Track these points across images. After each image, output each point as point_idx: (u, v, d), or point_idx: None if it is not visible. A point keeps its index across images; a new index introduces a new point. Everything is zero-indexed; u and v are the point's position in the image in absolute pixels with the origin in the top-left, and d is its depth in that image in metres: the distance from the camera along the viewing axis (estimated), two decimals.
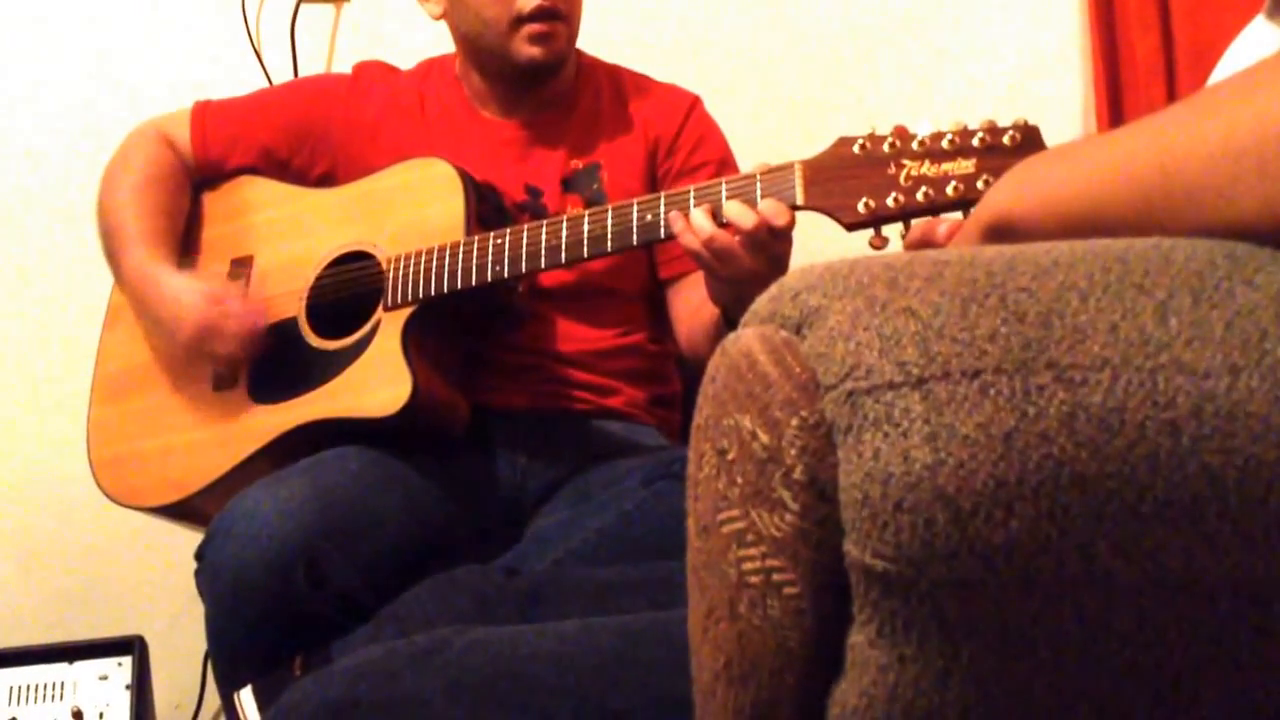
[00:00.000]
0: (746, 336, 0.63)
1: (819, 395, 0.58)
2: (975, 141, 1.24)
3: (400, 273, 1.53)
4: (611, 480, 1.51)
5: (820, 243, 1.42)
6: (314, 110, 1.74)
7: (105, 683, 1.83)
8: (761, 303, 0.64)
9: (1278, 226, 0.59)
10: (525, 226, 1.47)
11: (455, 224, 1.53)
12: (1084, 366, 0.56)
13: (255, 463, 1.55)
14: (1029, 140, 1.23)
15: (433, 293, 1.51)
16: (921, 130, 1.27)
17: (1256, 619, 0.56)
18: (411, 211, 1.58)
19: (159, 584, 2.17)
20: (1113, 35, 2.15)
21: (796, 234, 1.34)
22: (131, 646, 1.85)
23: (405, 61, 1.83)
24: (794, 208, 1.32)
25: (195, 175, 1.76)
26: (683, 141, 1.72)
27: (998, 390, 0.55)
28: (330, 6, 2.23)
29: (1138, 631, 0.55)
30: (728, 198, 1.35)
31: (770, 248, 1.33)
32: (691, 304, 1.64)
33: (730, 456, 0.61)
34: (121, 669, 1.84)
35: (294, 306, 1.62)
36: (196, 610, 1.43)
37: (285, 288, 1.64)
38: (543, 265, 1.46)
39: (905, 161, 1.27)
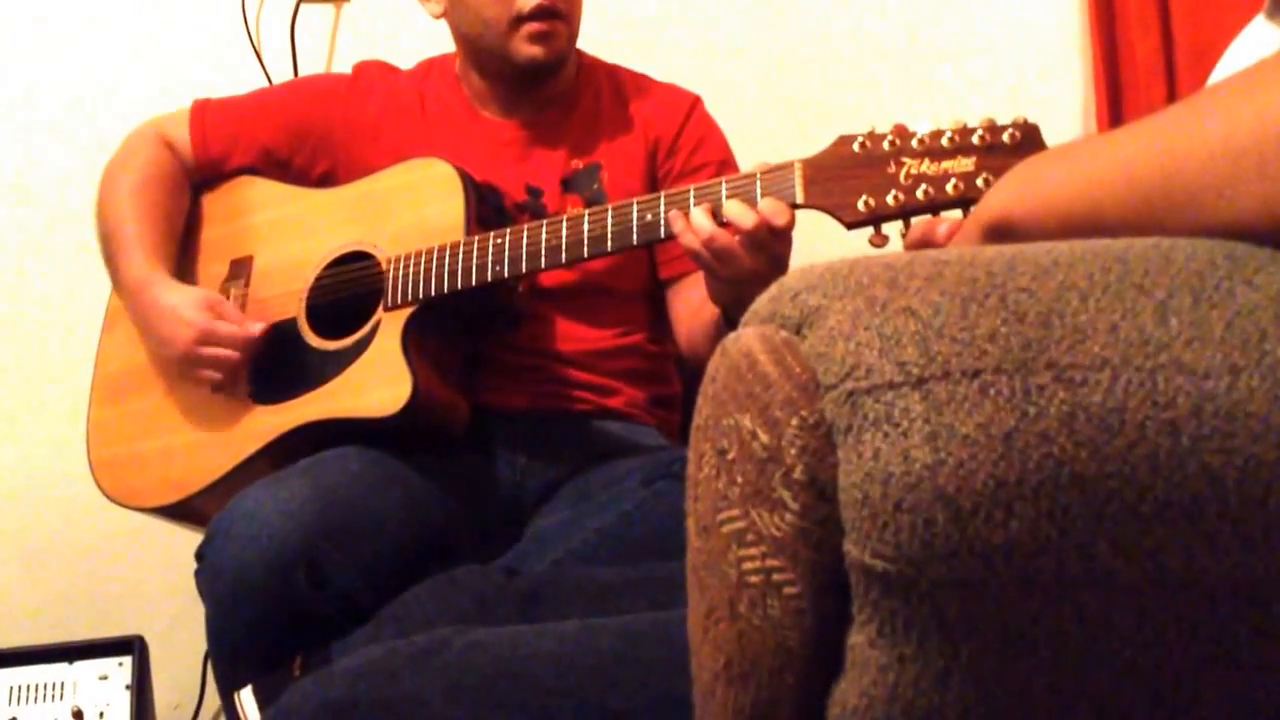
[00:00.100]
0: (746, 336, 0.63)
1: (819, 395, 0.58)
2: (975, 140, 1.24)
3: (400, 273, 1.53)
4: (611, 480, 1.51)
5: (820, 242, 1.42)
6: (314, 110, 1.74)
7: (105, 683, 1.84)
8: (761, 303, 0.64)
9: (1277, 226, 0.59)
10: (525, 226, 1.47)
11: (455, 224, 1.53)
12: (1084, 366, 0.56)
13: (255, 463, 1.55)
14: (1029, 138, 1.23)
15: (433, 293, 1.51)
16: (921, 129, 1.27)
17: (1256, 619, 0.56)
18: (411, 212, 1.58)
19: (159, 584, 2.17)
20: (1113, 35, 2.15)
21: (796, 233, 1.34)
22: (131, 646, 1.85)
23: (405, 61, 1.83)
24: (794, 206, 1.32)
25: (195, 175, 1.76)
26: (683, 142, 1.72)
27: (998, 390, 0.55)
28: (330, 6, 2.23)
29: (1138, 631, 0.55)
30: (728, 197, 1.35)
31: (770, 247, 1.33)
32: (691, 304, 1.64)
33: (730, 456, 0.61)
34: (121, 669, 1.84)
35: (294, 307, 1.62)
36: (196, 610, 1.43)
37: (285, 288, 1.64)
38: (543, 265, 1.46)
39: (905, 160, 1.27)
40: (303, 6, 2.20)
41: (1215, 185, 0.61)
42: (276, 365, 1.60)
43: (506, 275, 1.47)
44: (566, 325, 1.65)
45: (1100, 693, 0.57)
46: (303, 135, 1.73)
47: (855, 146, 1.30)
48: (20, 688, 1.83)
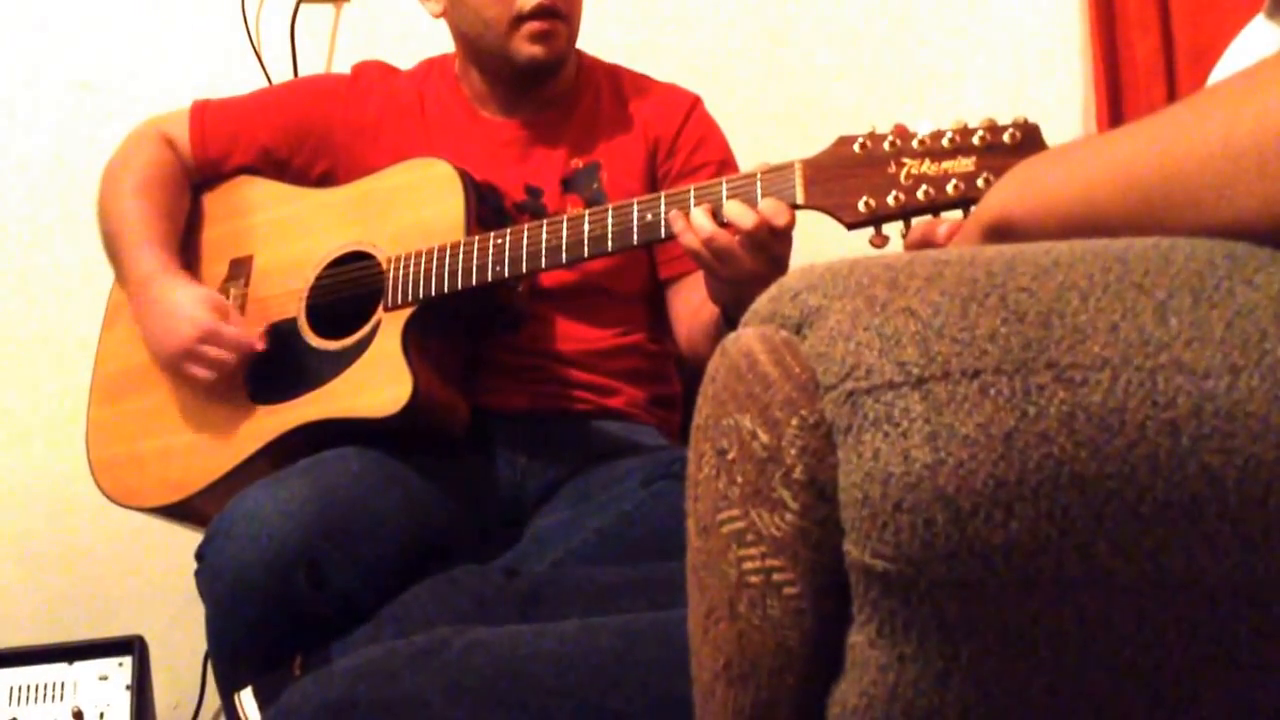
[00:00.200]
0: (746, 336, 0.63)
1: (819, 395, 0.58)
2: (975, 140, 1.24)
3: (400, 273, 1.53)
4: (611, 480, 1.51)
5: (820, 242, 1.42)
6: (314, 110, 1.74)
7: (105, 683, 1.84)
8: (761, 303, 0.64)
9: (1277, 226, 0.59)
10: (525, 226, 1.47)
11: (455, 224, 1.53)
12: (1084, 366, 0.56)
13: (255, 463, 1.55)
14: (1029, 138, 1.23)
15: (433, 293, 1.51)
16: (922, 129, 1.27)
17: (1256, 619, 0.56)
18: (411, 212, 1.58)
19: (159, 584, 2.17)
20: (1113, 35, 2.15)
21: (796, 234, 1.34)
22: (131, 646, 1.85)
23: (405, 61, 1.83)
24: (794, 207, 1.32)
25: (195, 175, 1.76)
26: (683, 142, 1.72)
27: (998, 390, 0.55)
28: (330, 6, 2.23)
29: (1137, 632, 0.55)
30: (728, 197, 1.35)
31: (770, 247, 1.33)
32: (691, 304, 1.64)
33: (730, 456, 0.61)
34: (122, 669, 1.84)
35: (294, 307, 1.62)
36: (196, 610, 1.43)
37: (285, 288, 1.64)
38: (543, 265, 1.46)
39: (905, 160, 1.27)
40: (303, 6, 2.20)
41: (1215, 185, 0.61)
42: (276, 365, 1.59)
43: (507, 275, 1.47)
44: (567, 325, 1.65)
45: (1100, 693, 0.57)
46: (302, 135, 1.73)
47: (856, 147, 1.30)
48: (20, 688, 1.83)
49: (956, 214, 1.26)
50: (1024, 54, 2.26)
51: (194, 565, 1.43)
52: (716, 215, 1.34)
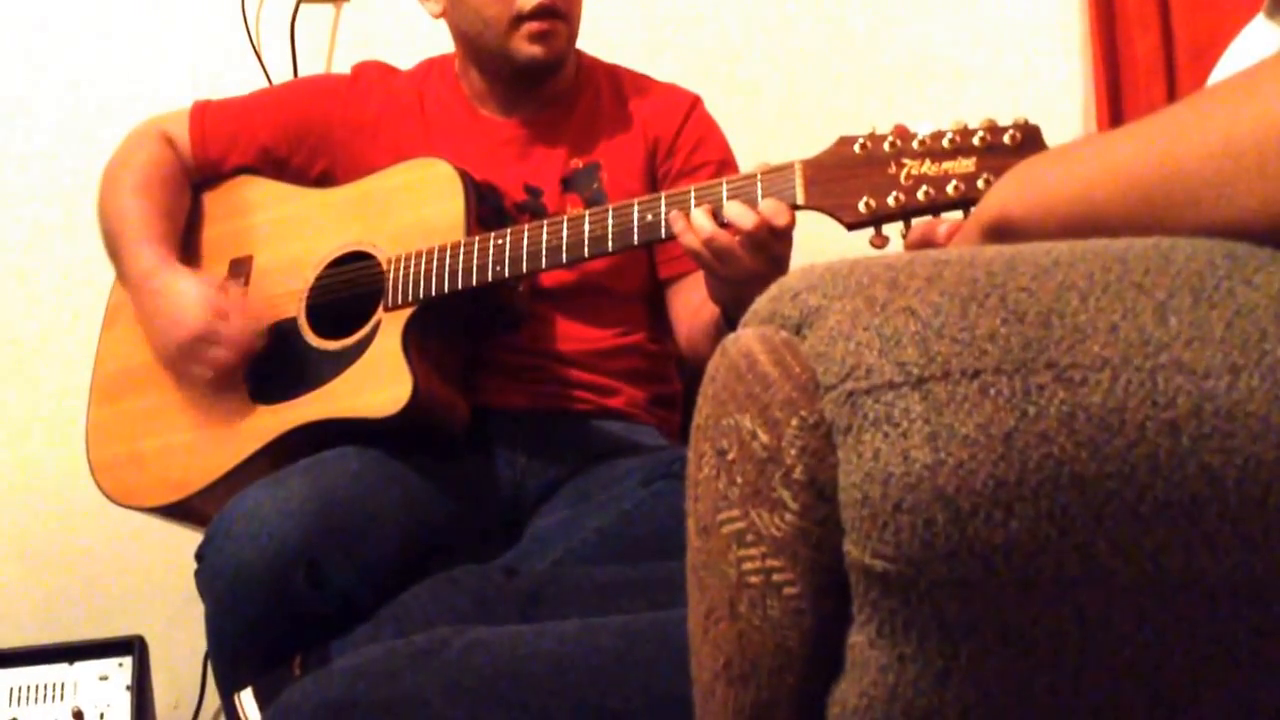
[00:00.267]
0: (746, 336, 0.63)
1: (819, 395, 0.58)
2: (976, 140, 1.24)
3: (400, 273, 1.53)
4: (611, 480, 1.51)
5: (820, 242, 1.42)
6: (313, 110, 1.74)
7: (105, 683, 1.84)
8: (761, 303, 0.64)
9: (1277, 226, 0.59)
10: (526, 227, 1.47)
11: (455, 224, 1.53)
12: (1084, 366, 0.56)
13: (255, 463, 1.55)
14: (1030, 139, 1.23)
15: (433, 293, 1.51)
16: (922, 129, 1.27)
17: (1256, 619, 0.56)
18: (411, 211, 1.58)
19: (159, 584, 2.17)
20: (1113, 34, 2.15)
21: (796, 234, 1.34)
22: (132, 646, 1.85)
23: (405, 61, 1.83)
24: (794, 207, 1.32)
25: (195, 175, 1.76)
26: (683, 142, 1.72)
27: (998, 390, 0.55)
28: (330, 6, 2.23)
29: (1137, 632, 0.55)
30: (728, 197, 1.35)
31: (770, 248, 1.33)
32: (691, 304, 1.64)
33: (730, 456, 0.61)
34: (122, 669, 1.84)
35: (294, 307, 1.62)
36: (196, 610, 1.43)
37: (285, 288, 1.64)
38: (543, 265, 1.46)
39: (906, 160, 1.27)
40: (303, 6, 2.20)
41: (1215, 185, 0.61)
42: (276, 365, 1.59)
43: (507, 275, 1.47)
44: (567, 325, 1.65)
45: (1100, 693, 0.57)
46: (301, 135, 1.73)
47: (856, 147, 1.30)
48: (20, 688, 1.83)
49: (957, 214, 1.26)
50: (1024, 53, 2.26)
51: (194, 565, 1.44)
52: (717, 215, 1.34)
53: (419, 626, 1.25)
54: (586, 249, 1.43)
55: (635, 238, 1.41)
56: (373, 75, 1.78)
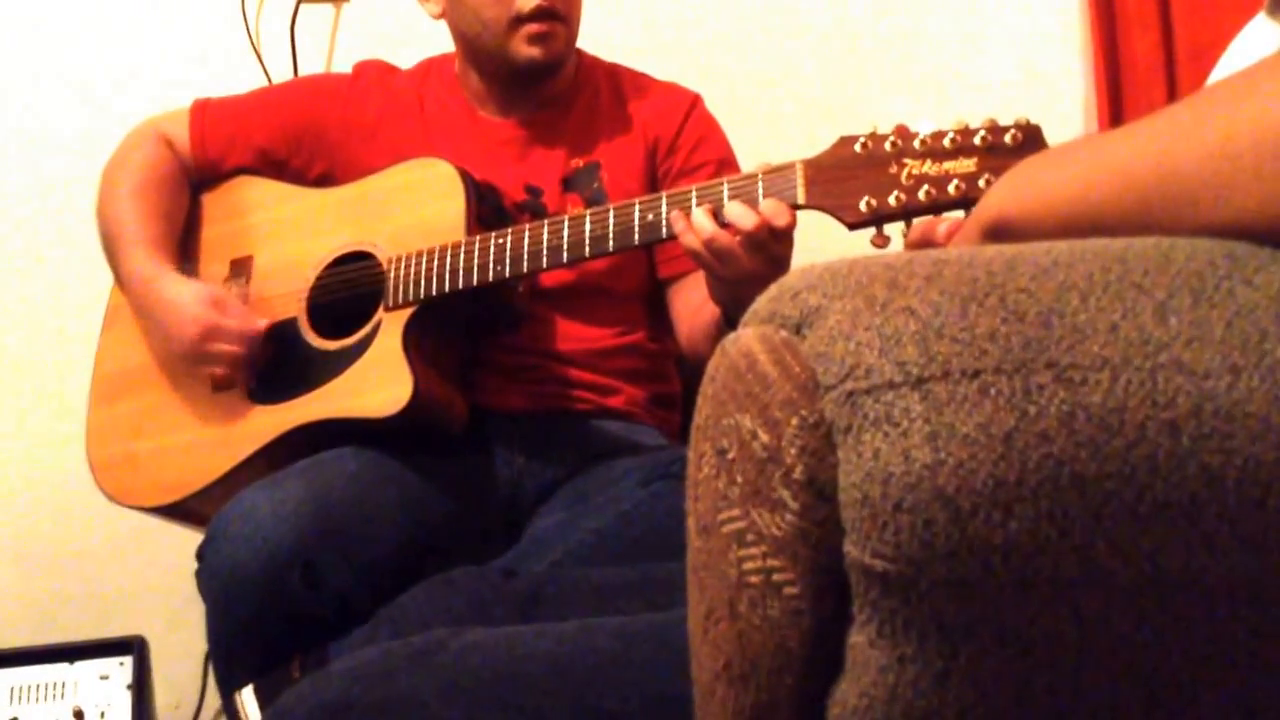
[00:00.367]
0: (746, 336, 0.63)
1: (819, 395, 0.58)
2: (977, 140, 1.24)
3: (401, 273, 1.53)
4: (610, 481, 1.51)
5: (821, 242, 1.42)
6: (313, 110, 1.74)
7: (106, 683, 1.84)
8: (761, 303, 0.64)
9: (1275, 228, 0.59)
10: (526, 227, 1.47)
11: (456, 224, 1.53)
12: (1084, 366, 0.56)
13: (255, 463, 1.55)
14: (1030, 139, 1.23)
15: (434, 293, 1.51)
16: (923, 129, 1.27)
17: (1256, 619, 0.56)
18: (412, 212, 1.58)
19: (159, 584, 2.17)
20: (1113, 34, 2.15)
21: (797, 233, 1.34)
22: (132, 646, 1.85)
23: (405, 61, 1.83)
24: (795, 207, 1.32)
25: (194, 175, 1.76)
26: (683, 141, 1.72)
27: (998, 390, 0.55)
28: (330, 6, 2.23)
29: (1136, 632, 0.55)
30: (729, 197, 1.35)
31: (771, 248, 1.33)
32: (692, 303, 1.64)
33: (730, 456, 0.61)
34: (122, 669, 1.84)
35: (294, 307, 1.62)
36: (196, 610, 1.44)
37: (285, 288, 1.64)
38: (544, 265, 1.46)
39: (907, 160, 1.27)
40: (303, 6, 2.20)
41: (1213, 186, 0.61)
42: (277, 365, 1.60)
43: (508, 275, 1.47)
44: (566, 325, 1.65)
45: (1099, 693, 0.57)
46: (300, 135, 1.73)
47: (857, 147, 1.30)
48: (21, 688, 1.83)
49: (958, 213, 1.25)
50: (1024, 53, 2.26)
51: (194, 565, 1.44)
52: (717, 215, 1.34)
53: (416, 628, 1.24)
54: (587, 249, 1.43)
55: (636, 237, 1.41)
56: (373, 75, 1.78)
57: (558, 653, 1.15)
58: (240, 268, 1.70)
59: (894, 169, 1.27)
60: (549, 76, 1.68)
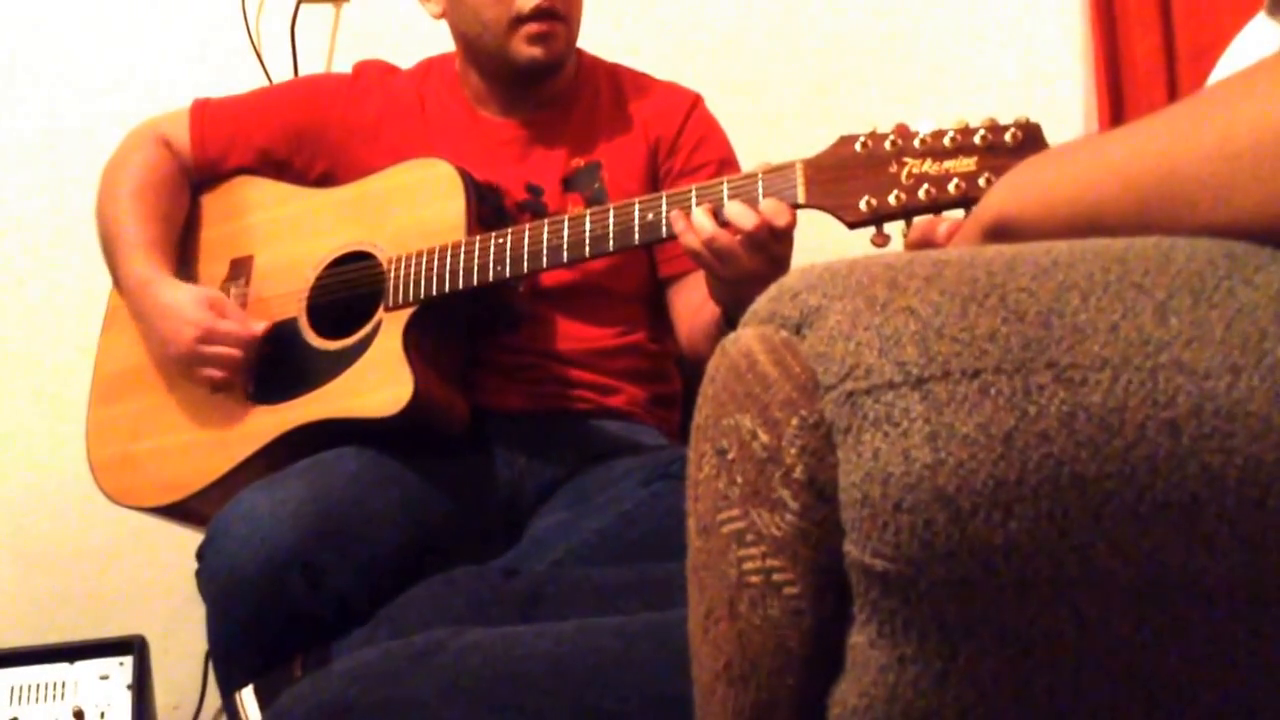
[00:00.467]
0: (746, 336, 0.63)
1: (819, 395, 0.58)
2: (977, 139, 1.24)
3: (401, 273, 1.53)
4: (610, 481, 1.51)
5: (820, 242, 1.42)
6: (313, 110, 1.74)
7: (106, 682, 1.84)
8: (761, 303, 0.64)
9: (1274, 228, 0.59)
10: (526, 226, 1.47)
11: (456, 224, 1.53)
12: (1084, 366, 0.56)
13: (255, 463, 1.55)
14: (1031, 138, 1.23)
15: (434, 293, 1.51)
16: (923, 128, 1.27)
17: (1256, 619, 0.56)
18: (412, 212, 1.58)
19: (159, 584, 2.17)
20: (1113, 34, 2.15)
21: (797, 233, 1.34)
22: (132, 646, 1.85)
23: (405, 61, 1.83)
24: (795, 206, 1.32)
25: (194, 175, 1.76)
26: (684, 141, 1.72)
27: (998, 390, 0.55)
28: (330, 6, 2.23)
29: (1136, 632, 0.55)
30: (729, 197, 1.35)
31: (771, 248, 1.33)
32: (692, 303, 1.64)
33: (730, 456, 0.61)
34: (122, 669, 1.84)
35: (294, 307, 1.62)
36: (196, 610, 1.44)
37: (285, 288, 1.64)
38: (544, 265, 1.46)
39: (907, 160, 1.27)
40: (303, 6, 2.20)
41: (1212, 186, 0.61)
42: (277, 365, 1.59)
43: (508, 275, 1.47)
44: (567, 324, 1.65)
45: (1099, 693, 0.57)
46: (300, 136, 1.73)
47: (857, 146, 1.30)
48: (21, 688, 1.83)
49: (958, 213, 1.25)
50: (1025, 52, 2.26)
51: (194, 565, 1.44)
52: (718, 215, 1.34)
53: (416, 628, 1.24)
54: (587, 248, 1.43)
55: (636, 237, 1.41)
56: (373, 75, 1.78)
57: (558, 653, 1.15)
58: (240, 268, 1.70)
59: (894, 168, 1.27)
60: (549, 76, 1.68)
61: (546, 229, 1.46)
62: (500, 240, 1.48)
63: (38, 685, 1.83)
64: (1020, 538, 0.54)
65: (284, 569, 1.33)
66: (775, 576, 0.59)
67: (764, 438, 0.59)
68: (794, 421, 0.59)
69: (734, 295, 1.38)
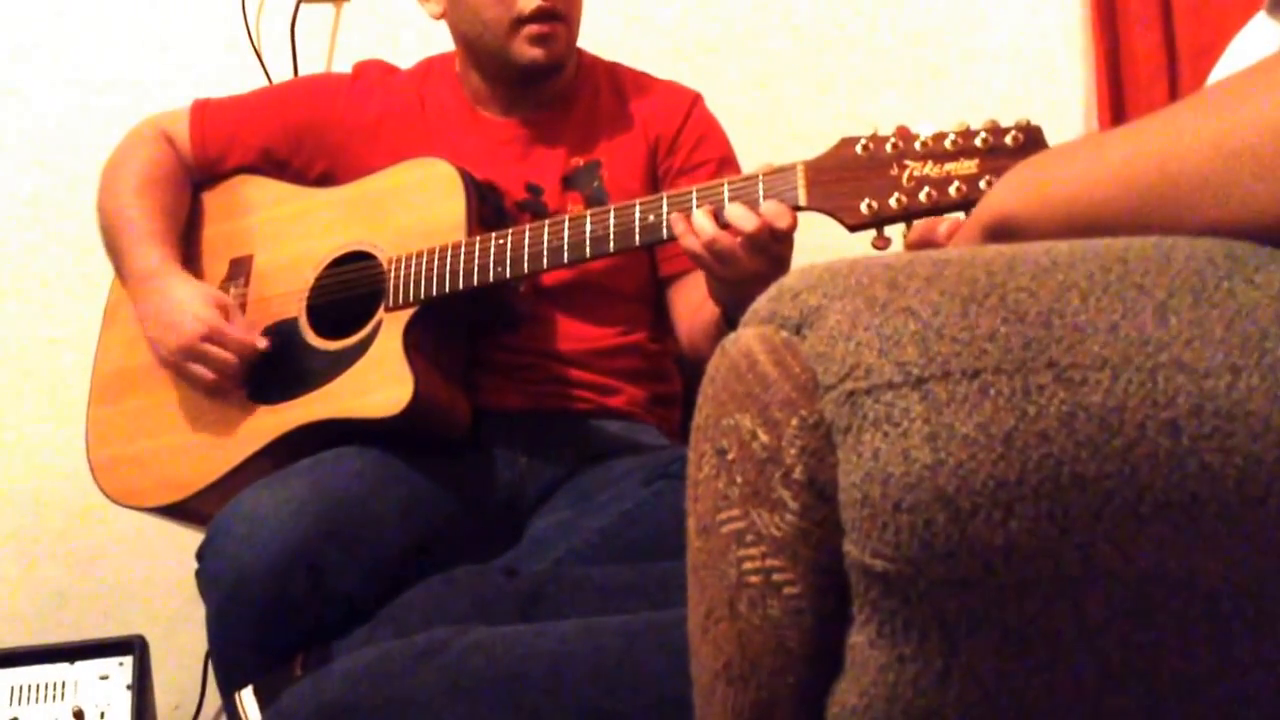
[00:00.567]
0: (746, 336, 0.63)
1: (819, 395, 0.58)
2: (978, 142, 1.24)
3: (402, 273, 1.53)
4: (610, 480, 1.51)
5: (820, 242, 1.42)
6: (313, 110, 1.74)
7: (106, 683, 1.83)
8: (761, 303, 0.64)
9: (1274, 227, 0.59)
10: (527, 227, 1.47)
11: (456, 224, 1.53)
12: (1084, 366, 0.56)
13: (256, 463, 1.55)
14: (1032, 141, 1.23)
15: (434, 293, 1.51)
16: (924, 131, 1.27)
17: (1254, 619, 0.56)
18: (412, 212, 1.58)
19: (159, 584, 2.17)
20: (1114, 33, 2.15)
21: (797, 233, 1.34)
22: (132, 646, 1.85)
23: (405, 61, 1.83)
24: (796, 208, 1.32)
25: (195, 174, 1.76)
26: (684, 139, 1.72)
27: (998, 390, 0.55)
28: (330, 6, 2.23)
29: (1136, 632, 0.55)
30: (730, 199, 1.35)
31: (771, 249, 1.33)
32: (692, 302, 1.64)
33: (730, 456, 0.61)
34: (122, 669, 1.84)
35: (294, 307, 1.62)
36: (196, 610, 1.43)
37: (285, 288, 1.64)
38: (544, 265, 1.46)
39: (908, 162, 1.27)
40: (303, 6, 2.20)
41: (1212, 186, 0.61)
42: (277, 365, 1.59)
43: (508, 276, 1.47)
44: (567, 324, 1.65)
45: (1099, 693, 0.57)
46: (300, 136, 1.73)
47: (858, 148, 1.29)
48: (21, 688, 1.83)
49: (958, 214, 1.25)
50: (1025, 52, 2.27)
51: (195, 565, 1.44)
52: (718, 217, 1.34)
53: (418, 627, 1.25)
54: (588, 249, 1.43)
55: (637, 238, 1.41)
56: (373, 75, 1.78)
57: (560, 652, 1.15)
58: (240, 267, 1.70)
59: (895, 171, 1.27)
60: (550, 77, 1.68)
61: (547, 230, 1.46)
62: (501, 241, 1.48)
63: (38, 685, 1.83)
64: (1020, 537, 0.54)
65: (286, 569, 1.33)
66: (775, 576, 0.59)
67: (764, 438, 0.59)
68: (794, 421, 0.59)
69: (734, 295, 1.38)
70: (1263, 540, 0.54)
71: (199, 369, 1.58)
